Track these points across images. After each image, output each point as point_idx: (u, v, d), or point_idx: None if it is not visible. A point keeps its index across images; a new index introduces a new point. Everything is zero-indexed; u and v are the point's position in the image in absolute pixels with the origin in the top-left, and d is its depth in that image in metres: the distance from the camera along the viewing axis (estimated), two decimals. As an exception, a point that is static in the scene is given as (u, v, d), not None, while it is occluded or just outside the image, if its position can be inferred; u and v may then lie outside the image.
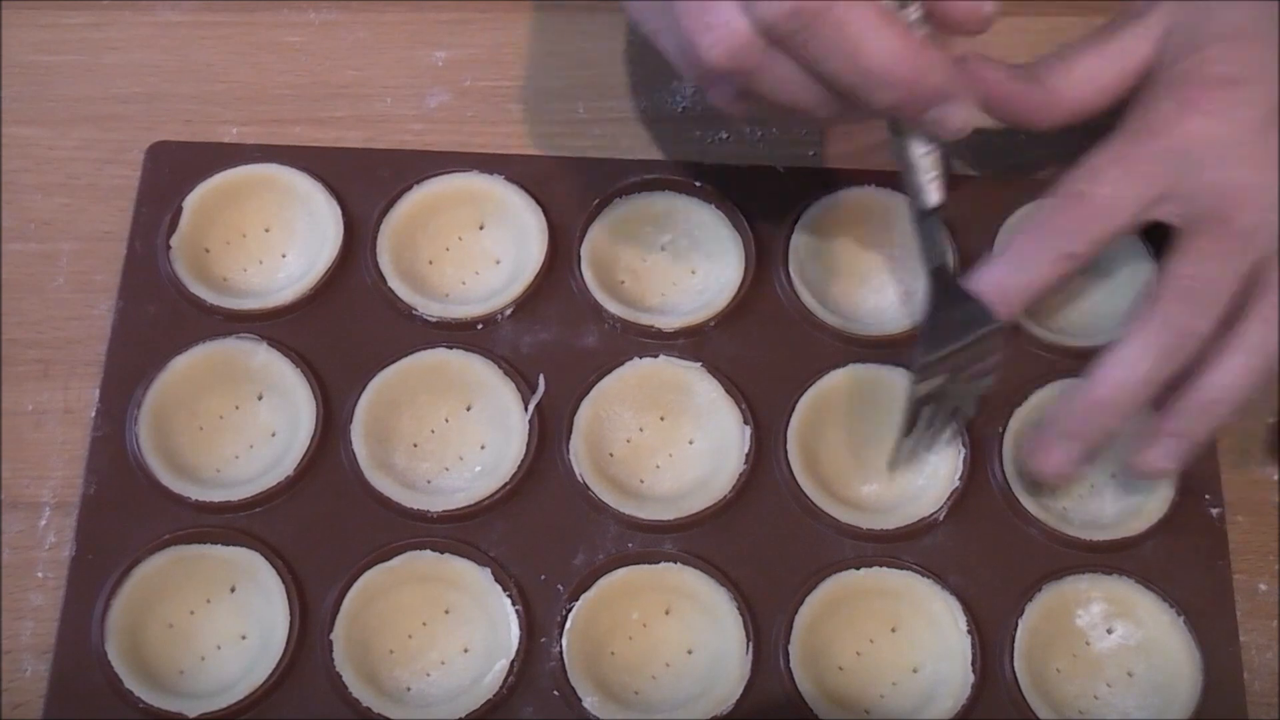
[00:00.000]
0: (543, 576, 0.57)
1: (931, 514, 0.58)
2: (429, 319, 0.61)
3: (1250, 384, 0.55)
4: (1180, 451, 0.56)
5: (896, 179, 0.62)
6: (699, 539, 0.58)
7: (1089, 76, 0.58)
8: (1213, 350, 0.55)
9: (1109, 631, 0.57)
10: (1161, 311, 0.55)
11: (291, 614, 0.55)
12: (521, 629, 0.56)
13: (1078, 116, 0.59)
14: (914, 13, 0.50)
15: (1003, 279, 0.56)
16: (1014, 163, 0.65)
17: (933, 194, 0.53)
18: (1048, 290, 0.56)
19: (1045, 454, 0.57)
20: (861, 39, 0.46)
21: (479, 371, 0.60)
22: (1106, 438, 0.57)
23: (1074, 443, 0.56)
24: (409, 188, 0.63)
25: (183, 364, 0.59)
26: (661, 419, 0.60)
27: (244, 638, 0.56)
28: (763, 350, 0.61)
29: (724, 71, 0.48)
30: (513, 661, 0.55)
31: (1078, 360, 0.61)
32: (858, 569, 0.57)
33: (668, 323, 0.61)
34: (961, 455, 0.59)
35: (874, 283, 0.63)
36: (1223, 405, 0.55)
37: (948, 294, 0.55)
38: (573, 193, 0.63)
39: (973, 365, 0.56)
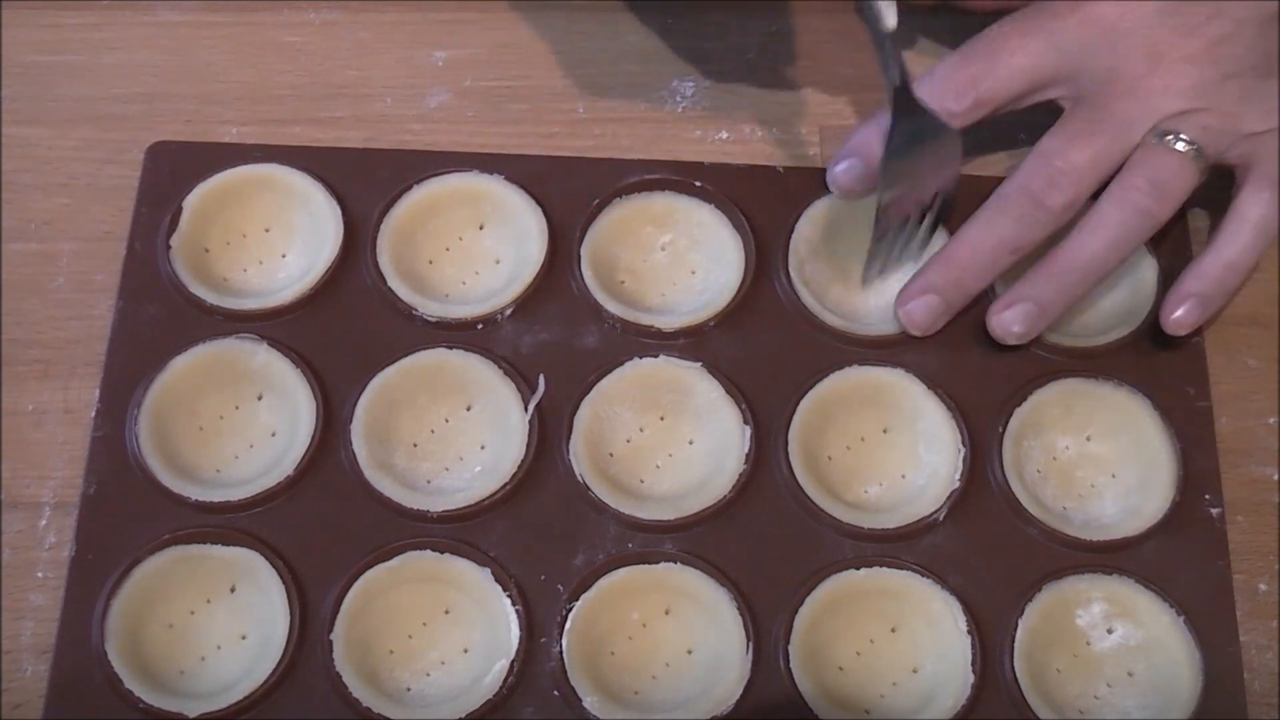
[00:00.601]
0: (543, 576, 0.57)
1: (931, 514, 0.58)
2: (429, 319, 0.61)
3: (1095, 258, 0.58)
4: (1030, 315, 0.59)
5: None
6: (699, 539, 0.58)
7: None
8: (1073, 225, 0.58)
9: (1109, 631, 0.57)
10: (1018, 181, 0.58)
11: (291, 614, 0.55)
12: (521, 629, 0.56)
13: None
14: None
15: (968, 246, 0.59)
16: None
17: (889, 17, 0.56)
18: (1003, 261, 0.59)
19: (907, 302, 0.60)
20: None
21: (479, 371, 0.60)
22: (965, 297, 0.60)
23: (934, 296, 0.59)
24: (409, 188, 0.63)
25: (183, 364, 0.59)
26: (661, 419, 0.60)
27: (244, 638, 0.56)
28: (763, 350, 0.61)
29: None
30: (513, 661, 0.55)
31: (1078, 360, 0.61)
32: (858, 569, 0.57)
33: (668, 323, 0.61)
34: (961, 455, 0.59)
35: (874, 283, 0.63)
36: (1071, 276, 0.58)
37: (907, 109, 0.57)
38: (573, 193, 0.63)
39: (933, 171, 0.59)
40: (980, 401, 0.60)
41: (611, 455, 0.60)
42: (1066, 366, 0.61)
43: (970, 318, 0.61)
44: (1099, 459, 0.60)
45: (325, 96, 0.67)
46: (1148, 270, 0.63)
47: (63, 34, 0.68)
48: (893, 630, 0.57)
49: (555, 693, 0.55)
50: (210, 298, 0.61)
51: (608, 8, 0.69)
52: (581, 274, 0.62)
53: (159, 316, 0.61)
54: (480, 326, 0.61)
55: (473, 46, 0.68)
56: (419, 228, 0.63)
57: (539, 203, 0.63)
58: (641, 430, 0.60)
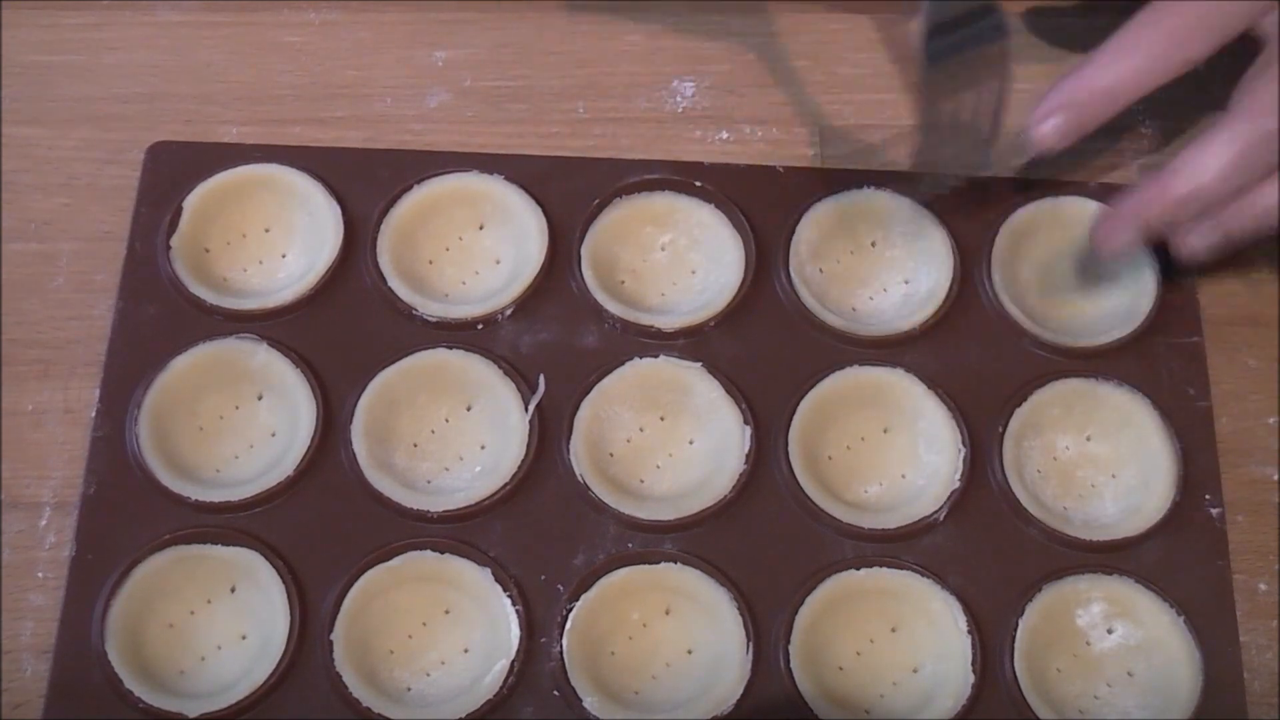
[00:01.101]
0: (543, 576, 0.57)
1: (931, 514, 0.58)
2: (429, 319, 0.61)
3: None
4: (1214, 239, 0.58)
5: (895, 179, 0.63)
6: (699, 539, 0.58)
7: None
8: None
9: (1109, 631, 0.57)
10: (1245, 112, 0.55)
11: (291, 614, 0.55)
12: (521, 629, 0.56)
13: None
14: None
15: (1102, 69, 0.55)
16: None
17: None
18: (1134, 90, 0.55)
19: (1108, 230, 0.58)
20: None
21: (479, 371, 0.60)
22: (1168, 228, 0.58)
23: (1137, 225, 0.57)
24: (409, 188, 0.63)
25: (183, 364, 0.59)
26: (661, 419, 0.60)
27: (244, 638, 0.56)
28: (763, 350, 0.61)
29: None
30: (513, 661, 0.55)
31: (1078, 360, 0.61)
32: (858, 569, 0.57)
33: (668, 323, 0.61)
34: (961, 455, 0.59)
35: (874, 283, 0.63)
36: (1271, 215, 0.56)
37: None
38: (573, 193, 0.63)
39: (983, 65, 0.55)
40: (980, 401, 0.60)
41: (611, 455, 0.60)
42: (1066, 366, 0.61)
43: (970, 318, 0.61)
44: (1099, 459, 0.60)
45: (325, 96, 0.67)
46: (1148, 270, 0.63)
47: (63, 34, 0.68)
48: (893, 630, 0.57)
49: (555, 693, 0.55)
50: (210, 298, 0.61)
51: (608, 8, 0.69)
52: (581, 274, 0.62)
53: (159, 316, 0.61)
54: (480, 326, 0.61)
55: (473, 46, 0.68)
56: (419, 228, 0.63)
57: (539, 203, 0.63)
58: (641, 430, 0.60)
